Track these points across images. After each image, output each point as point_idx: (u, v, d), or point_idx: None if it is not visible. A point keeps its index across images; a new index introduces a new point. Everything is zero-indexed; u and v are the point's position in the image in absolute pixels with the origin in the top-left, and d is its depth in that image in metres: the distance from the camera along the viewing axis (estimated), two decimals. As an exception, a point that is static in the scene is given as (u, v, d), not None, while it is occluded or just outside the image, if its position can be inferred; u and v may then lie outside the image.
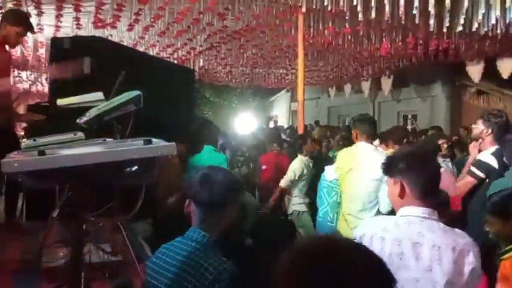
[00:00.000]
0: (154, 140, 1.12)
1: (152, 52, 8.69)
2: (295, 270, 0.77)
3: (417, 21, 5.85)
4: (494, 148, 3.13)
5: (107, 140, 1.70)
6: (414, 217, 1.62)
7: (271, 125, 14.85)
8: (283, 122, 18.82)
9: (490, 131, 3.16)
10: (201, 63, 10.63)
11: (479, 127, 3.23)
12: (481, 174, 3.09)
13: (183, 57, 9.65)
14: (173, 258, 1.54)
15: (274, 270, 0.79)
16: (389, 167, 1.71)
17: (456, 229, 1.67)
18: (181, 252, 1.53)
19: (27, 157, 1.03)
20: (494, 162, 3.07)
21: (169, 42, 8.38)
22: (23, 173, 0.99)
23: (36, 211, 3.79)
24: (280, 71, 12.21)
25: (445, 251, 1.53)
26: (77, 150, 1.13)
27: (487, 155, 3.13)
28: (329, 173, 3.95)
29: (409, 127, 13.28)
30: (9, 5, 5.70)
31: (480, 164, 3.12)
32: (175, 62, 9.33)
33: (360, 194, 3.38)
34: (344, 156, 3.69)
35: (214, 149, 4.00)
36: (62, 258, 2.71)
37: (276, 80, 13.78)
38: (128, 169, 1.06)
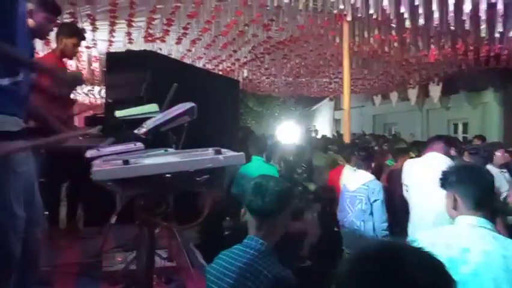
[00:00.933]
0: (222, 150, 1.19)
1: (198, 64, 8.93)
2: (357, 273, 0.79)
3: (467, 27, 5.68)
4: None
5: (169, 149, 1.80)
6: (466, 225, 1.70)
7: (313, 135, 14.74)
8: (326, 131, 18.68)
9: None
10: (245, 74, 10.79)
11: None
12: None
13: (228, 69, 9.85)
14: (233, 265, 1.59)
15: (336, 274, 0.81)
16: (443, 181, 1.83)
17: None
18: (241, 259, 1.59)
19: (115, 166, 1.12)
20: None
21: (214, 54, 8.59)
22: (112, 180, 1.08)
23: (94, 217, 3.99)
24: (324, 80, 12.15)
25: (494, 258, 1.58)
26: (159, 160, 1.22)
27: None
28: (351, 183, 3.96)
29: (460, 135, 12.82)
30: (66, 21, 6.06)
31: None
32: (220, 73, 9.54)
33: (432, 209, 3.31)
34: (412, 167, 3.63)
35: (263, 160, 4.07)
36: (121, 263, 2.85)
37: (319, 89, 13.72)
38: (198, 178, 1.13)
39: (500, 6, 4.89)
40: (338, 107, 18.75)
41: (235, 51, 8.29)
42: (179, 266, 2.83)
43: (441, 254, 1.58)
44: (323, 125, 20.30)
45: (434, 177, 3.33)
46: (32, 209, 2.10)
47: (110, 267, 2.84)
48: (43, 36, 3.34)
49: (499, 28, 5.56)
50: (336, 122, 19.20)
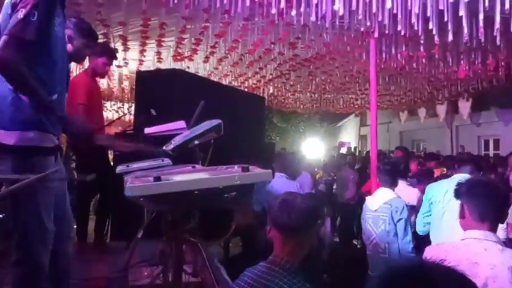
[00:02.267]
0: (250, 167, 1.21)
1: (224, 81, 9.07)
2: None
3: (498, 43, 5.57)
4: None
5: (197, 166, 1.83)
6: (473, 239, 1.78)
7: (343, 151, 14.59)
8: (351, 147, 18.48)
9: None
10: (270, 91, 10.87)
11: None
12: None
13: (253, 85, 9.95)
14: (258, 282, 1.59)
15: None
16: (456, 191, 1.94)
17: None
18: (266, 277, 1.58)
19: (146, 183, 1.16)
20: None
21: (241, 71, 8.71)
22: (143, 196, 1.12)
23: (121, 231, 4.07)
24: (350, 96, 12.09)
25: (501, 270, 1.62)
26: (188, 177, 1.25)
27: None
28: (373, 202, 3.75)
29: (491, 152, 12.46)
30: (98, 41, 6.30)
31: None
32: (246, 90, 9.65)
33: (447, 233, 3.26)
34: (440, 188, 3.57)
35: (285, 177, 4.07)
36: (147, 277, 2.88)
37: (344, 105, 13.64)
38: (227, 194, 1.16)
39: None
40: (363, 123, 18.58)
41: (261, 68, 8.38)
42: (204, 282, 2.83)
43: None
44: (349, 141, 20.12)
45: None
46: (63, 223, 2.17)
47: (136, 282, 2.88)
48: (80, 60, 3.46)
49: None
50: (362, 138, 18.99)
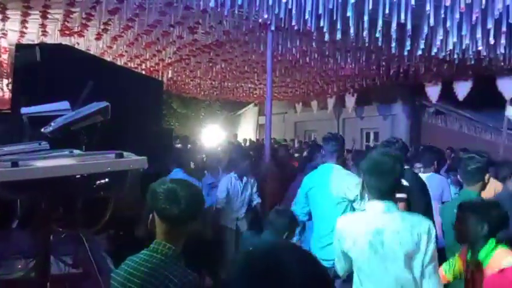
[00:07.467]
0: (125, 153, 1.16)
1: (119, 62, 8.61)
2: (241, 277, 0.82)
3: (380, 44, 6.12)
4: None
5: (74, 151, 1.70)
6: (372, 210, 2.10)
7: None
8: (251, 135, 18.94)
9: None
10: (169, 75, 10.60)
11: None
12: None
13: (151, 68, 9.61)
14: (138, 270, 1.56)
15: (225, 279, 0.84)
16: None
17: None
18: (147, 264, 1.56)
19: (1, 168, 1.05)
20: None
21: (137, 52, 8.34)
22: (-4, 183, 1.01)
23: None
24: (249, 85, 12.35)
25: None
26: (51, 162, 1.15)
27: None
28: None
29: (371, 143, 13.75)
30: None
31: None
32: (143, 72, 9.28)
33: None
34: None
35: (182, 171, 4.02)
36: (21, 270, 2.64)
37: (244, 94, 13.90)
38: (99, 182, 1.10)
39: (409, 27, 5.31)
40: (262, 113, 19.11)
41: (159, 51, 8.12)
42: (85, 273, 2.69)
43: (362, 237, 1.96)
44: (248, 129, 20.57)
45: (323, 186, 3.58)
46: None
47: (8, 275, 2.62)
48: None
49: (408, 47, 6.06)
50: (261, 127, 19.55)
